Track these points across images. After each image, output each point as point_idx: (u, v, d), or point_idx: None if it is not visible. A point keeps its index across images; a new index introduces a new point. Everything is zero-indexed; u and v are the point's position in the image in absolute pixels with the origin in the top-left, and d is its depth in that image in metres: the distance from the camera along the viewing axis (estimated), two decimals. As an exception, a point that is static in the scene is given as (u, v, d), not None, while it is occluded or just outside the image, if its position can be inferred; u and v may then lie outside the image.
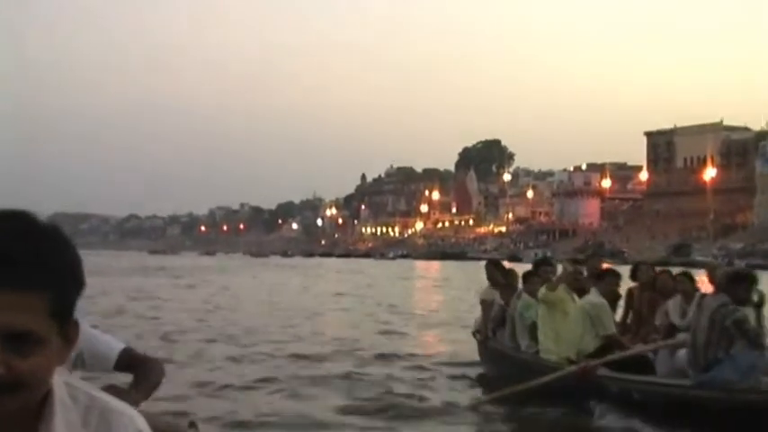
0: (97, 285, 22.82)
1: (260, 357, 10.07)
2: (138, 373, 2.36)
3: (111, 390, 2.06)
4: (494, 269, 8.31)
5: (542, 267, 7.43)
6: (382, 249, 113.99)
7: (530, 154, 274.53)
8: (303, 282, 34.02)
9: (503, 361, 7.70)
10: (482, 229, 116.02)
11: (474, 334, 8.74)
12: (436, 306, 20.20)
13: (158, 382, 2.40)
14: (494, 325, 8.09)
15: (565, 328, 6.63)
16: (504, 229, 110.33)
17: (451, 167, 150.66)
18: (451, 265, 65.35)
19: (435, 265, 69.64)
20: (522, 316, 7.34)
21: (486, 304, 8.19)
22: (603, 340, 6.49)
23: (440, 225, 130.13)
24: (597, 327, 6.47)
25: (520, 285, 7.76)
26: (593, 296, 6.64)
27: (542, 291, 6.85)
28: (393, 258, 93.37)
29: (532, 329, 7.13)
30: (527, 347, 7.22)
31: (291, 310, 17.83)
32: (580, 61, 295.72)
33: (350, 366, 9.25)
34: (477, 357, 8.84)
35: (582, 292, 6.82)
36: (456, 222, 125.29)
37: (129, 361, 2.31)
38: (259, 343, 11.52)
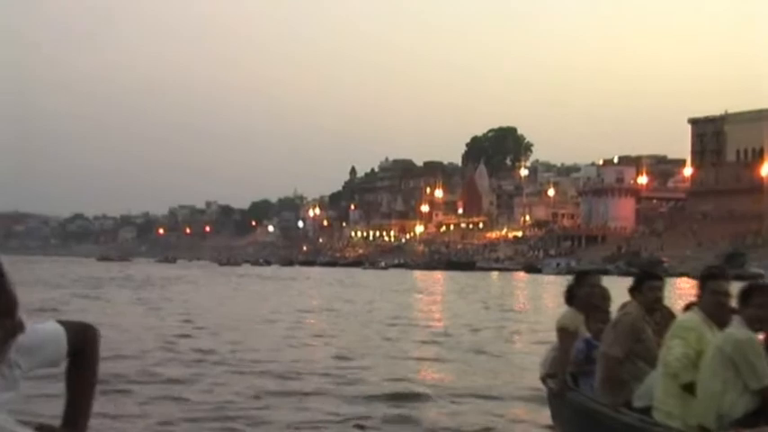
0: (34, 300, 22.16)
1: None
2: (74, 392, 2.18)
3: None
4: (589, 284, 6.60)
5: (647, 283, 5.84)
6: (375, 257, 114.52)
7: (551, 145, 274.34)
8: (275, 296, 33.35)
9: (591, 425, 5.91)
10: (494, 234, 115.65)
11: (544, 379, 6.79)
12: (445, 326, 19.40)
13: (94, 384, 2.21)
14: (575, 368, 6.43)
15: (698, 378, 5.09)
16: (519, 233, 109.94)
17: (458, 160, 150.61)
18: (457, 276, 64.86)
19: (438, 275, 69.30)
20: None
21: (566, 335, 6.51)
22: (759, 397, 4.86)
23: (443, 229, 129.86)
24: (747, 376, 4.86)
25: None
26: (737, 328, 4.96)
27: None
28: (386, 268, 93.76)
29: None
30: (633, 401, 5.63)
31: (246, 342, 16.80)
32: (610, 35, 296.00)
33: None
34: (547, 417, 7.08)
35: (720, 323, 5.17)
36: (463, 225, 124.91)
37: (75, 342, 2.16)
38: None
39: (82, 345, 2.17)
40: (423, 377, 11.04)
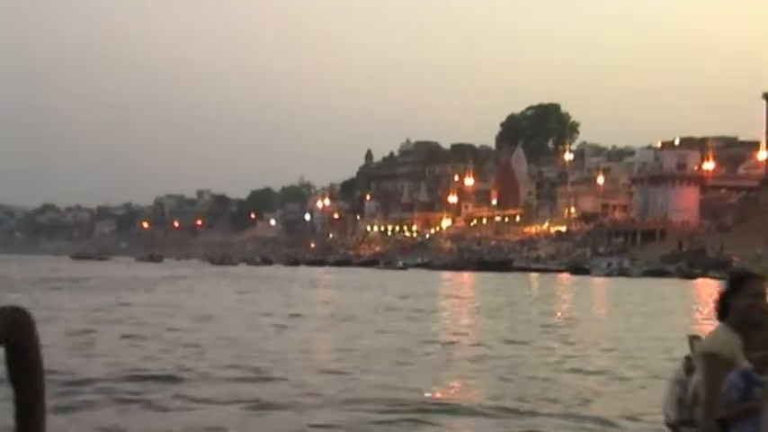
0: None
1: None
2: (18, 389, 2.19)
3: None
4: (751, 292, 5.02)
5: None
6: (394, 255, 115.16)
7: (600, 124, 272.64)
8: (278, 302, 33.17)
9: None
10: (533, 229, 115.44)
11: (676, 428, 5.40)
12: (481, 342, 19.08)
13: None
14: (728, 412, 5.02)
15: None
16: (563, 228, 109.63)
17: (491, 143, 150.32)
18: (491, 278, 64.63)
19: (467, 277, 69.15)
20: None
21: (716, 365, 5.26)
22: None
23: (474, 222, 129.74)
24: None
25: None
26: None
27: None
28: (404, 267, 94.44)
29: None
30: None
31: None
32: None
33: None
34: None
35: None
36: (497, 219, 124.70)
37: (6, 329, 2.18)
38: None
39: (13, 331, 2.16)
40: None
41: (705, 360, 5.19)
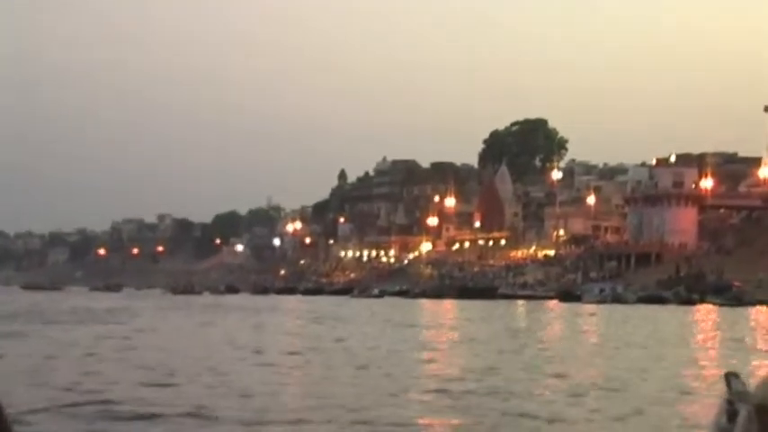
0: None
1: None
2: None
3: None
4: None
5: None
6: (370, 282, 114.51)
7: (590, 141, 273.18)
8: (248, 336, 32.65)
9: None
10: (519, 253, 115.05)
11: None
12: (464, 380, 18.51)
13: None
14: None
15: None
16: (552, 252, 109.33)
17: (473, 161, 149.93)
18: (474, 306, 64.14)
19: (448, 305, 68.70)
20: None
21: None
22: None
23: (456, 246, 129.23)
24: None
25: None
26: None
27: None
28: (380, 296, 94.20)
29: None
30: None
31: None
32: (662, 5, 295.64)
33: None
34: None
35: None
36: (480, 242, 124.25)
37: None
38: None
39: None
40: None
41: (762, 415, 4.42)
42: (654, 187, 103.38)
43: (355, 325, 39.16)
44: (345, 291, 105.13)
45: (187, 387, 15.88)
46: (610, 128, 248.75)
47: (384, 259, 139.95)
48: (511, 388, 15.77)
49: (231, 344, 26.94)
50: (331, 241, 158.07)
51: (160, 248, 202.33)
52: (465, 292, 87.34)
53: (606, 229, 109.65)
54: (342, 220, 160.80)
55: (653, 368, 19.62)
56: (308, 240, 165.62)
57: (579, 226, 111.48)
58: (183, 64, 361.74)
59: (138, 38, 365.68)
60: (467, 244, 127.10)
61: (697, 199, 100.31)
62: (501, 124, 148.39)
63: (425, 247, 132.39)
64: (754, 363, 20.84)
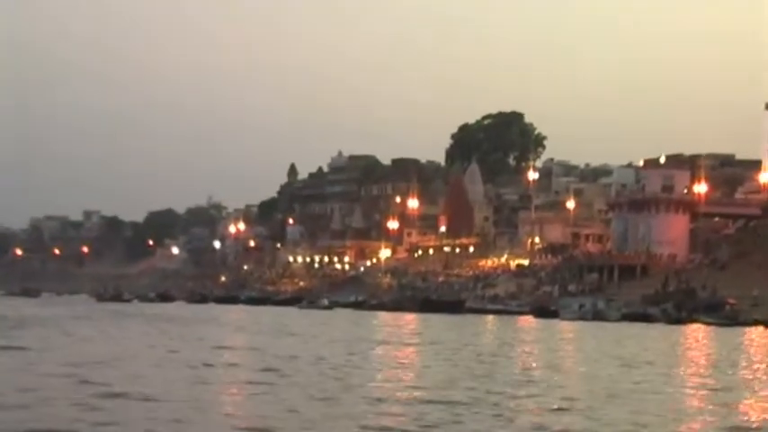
0: None
1: None
2: None
3: None
4: None
5: None
6: (323, 291, 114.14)
7: (570, 138, 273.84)
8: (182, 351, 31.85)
9: None
10: (489, 262, 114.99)
11: None
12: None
13: None
14: None
15: None
16: (526, 261, 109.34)
17: (440, 158, 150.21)
18: (438, 321, 63.96)
19: (409, 319, 68.37)
20: None
21: None
22: None
23: (419, 254, 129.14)
24: None
25: None
26: None
27: None
28: (330, 307, 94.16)
29: None
30: None
31: None
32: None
33: None
34: None
35: None
36: (446, 249, 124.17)
37: None
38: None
39: None
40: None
41: None
42: (641, 191, 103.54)
43: (295, 341, 38.45)
44: (294, 300, 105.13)
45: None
46: (593, 124, 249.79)
47: (338, 266, 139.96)
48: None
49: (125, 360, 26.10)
50: (278, 245, 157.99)
51: (85, 249, 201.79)
52: (428, 304, 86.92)
53: (587, 237, 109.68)
54: (291, 221, 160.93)
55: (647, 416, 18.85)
56: (252, 243, 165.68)
57: (557, 233, 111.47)
58: (114, 53, 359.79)
59: (63, 23, 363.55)
60: (431, 251, 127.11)
61: (689, 205, 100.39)
62: (471, 117, 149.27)
63: (384, 253, 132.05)
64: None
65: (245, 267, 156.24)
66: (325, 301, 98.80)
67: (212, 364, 25.44)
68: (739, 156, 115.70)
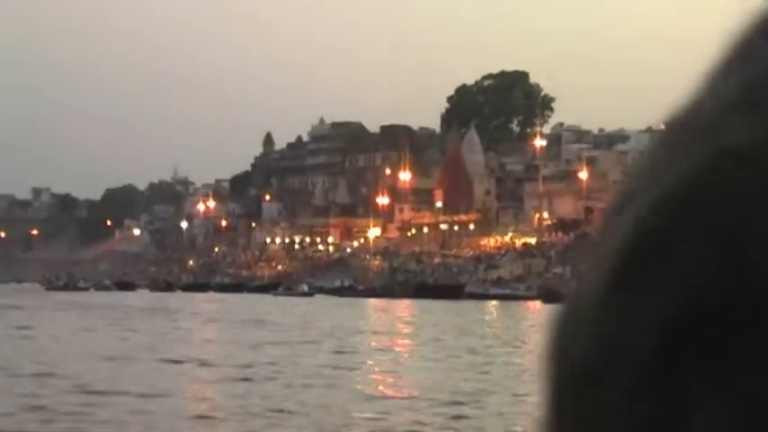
0: None
1: None
2: None
3: None
4: None
5: None
6: (304, 276, 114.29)
7: (582, 100, 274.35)
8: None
9: None
10: (492, 241, 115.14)
11: None
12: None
13: None
14: None
15: None
16: (533, 240, 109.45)
17: (434, 124, 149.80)
18: (435, 308, 63.82)
19: (401, 307, 68.35)
20: None
21: None
22: None
23: (412, 232, 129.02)
24: None
25: None
26: None
27: None
28: (310, 293, 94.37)
29: None
30: None
31: None
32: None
33: None
34: None
35: None
36: (443, 227, 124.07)
37: None
38: None
39: None
40: None
41: None
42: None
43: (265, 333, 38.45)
44: (272, 287, 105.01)
45: None
46: (607, 84, 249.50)
47: (321, 248, 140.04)
48: None
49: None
50: (253, 224, 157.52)
51: (34, 231, 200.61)
52: (423, 289, 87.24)
53: (602, 211, 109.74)
54: (267, 197, 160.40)
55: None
56: (223, 223, 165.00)
57: (568, 207, 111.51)
58: (74, 7, 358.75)
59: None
60: (425, 229, 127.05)
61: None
62: (470, 78, 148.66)
63: (373, 232, 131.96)
64: None
65: (216, 250, 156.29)
66: (305, 287, 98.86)
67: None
68: None
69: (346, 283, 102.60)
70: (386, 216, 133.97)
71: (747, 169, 0.39)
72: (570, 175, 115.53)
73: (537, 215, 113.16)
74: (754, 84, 0.41)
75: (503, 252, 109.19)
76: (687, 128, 0.53)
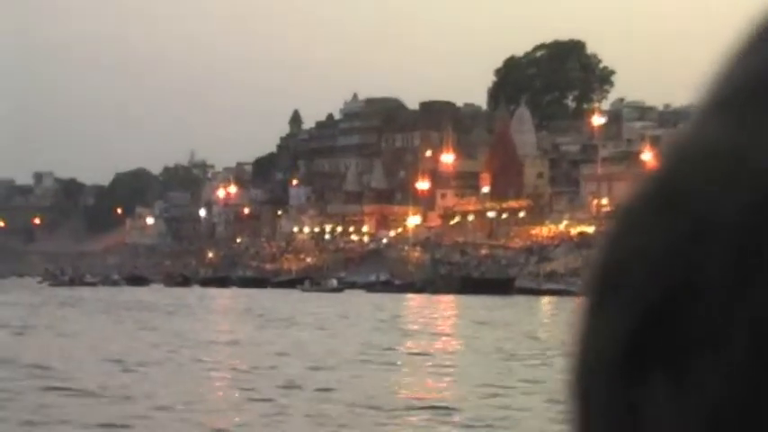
0: None
1: None
2: None
3: None
4: None
5: None
6: (337, 269, 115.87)
7: (645, 74, 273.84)
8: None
9: None
10: (545, 230, 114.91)
11: None
12: None
13: None
14: None
15: None
16: (590, 229, 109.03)
17: (481, 101, 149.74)
18: (481, 304, 63.75)
19: (445, 303, 68.35)
20: None
21: None
22: None
23: (456, 220, 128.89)
24: None
25: None
26: None
27: None
28: (340, 289, 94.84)
29: None
30: None
31: None
32: None
33: None
34: None
35: None
36: (490, 215, 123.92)
37: None
38: None
39: None
40: None
41: None
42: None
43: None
44: (299, 281, 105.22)
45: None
46: (672, 55, 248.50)
47: (354, 238, 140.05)
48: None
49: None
50: (279, 212, 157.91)
51: (36, 221, 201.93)
52: (468, 284, 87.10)
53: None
54: (294, 182, 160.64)
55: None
56: (246, 211, 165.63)
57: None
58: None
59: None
60: (470, 217, 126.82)
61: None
62: (520, 49, 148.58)
63: (412, 221, 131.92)
64: None
65: (238, 241, 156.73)
66: (334, 282, 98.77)
67: None
68: None
69: (382, 278, 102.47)
70: (426, 203, 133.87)
71: (702, 172, 0.44)
72: (632, 157, 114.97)
73: (595, 201, 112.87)
74: (743, 84, 0.46)
75: (556, 242, 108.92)
76: (684, 127, 0.56)
